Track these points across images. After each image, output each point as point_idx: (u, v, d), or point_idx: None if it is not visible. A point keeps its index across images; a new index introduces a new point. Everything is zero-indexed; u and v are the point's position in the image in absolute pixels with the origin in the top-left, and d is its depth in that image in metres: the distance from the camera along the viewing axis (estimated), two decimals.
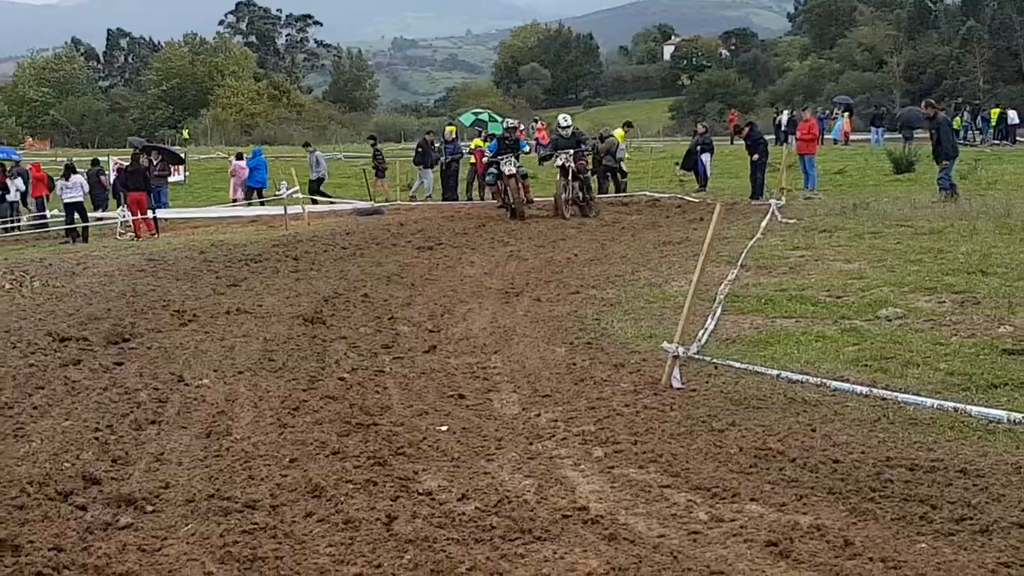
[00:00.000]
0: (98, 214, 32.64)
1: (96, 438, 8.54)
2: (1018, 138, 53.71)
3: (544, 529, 6.23)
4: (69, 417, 9.22)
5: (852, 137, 57.51)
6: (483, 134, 40.51)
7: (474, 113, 66.65)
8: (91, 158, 40.73)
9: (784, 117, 55.01)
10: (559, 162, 27.79)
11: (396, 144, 75.69)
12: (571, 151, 27.88)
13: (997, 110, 57.74)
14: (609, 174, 33.22)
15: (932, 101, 28.51)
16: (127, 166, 31.09)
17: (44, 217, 33.63)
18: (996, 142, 52.58)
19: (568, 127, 28.87)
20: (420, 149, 37.51)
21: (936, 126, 26.30)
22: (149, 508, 6.78)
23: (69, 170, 30.79)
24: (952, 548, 5.70)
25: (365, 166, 42.22)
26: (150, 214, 29.42)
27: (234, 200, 36.93)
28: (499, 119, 65.25)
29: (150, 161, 33.39)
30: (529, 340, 12.13)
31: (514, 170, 28.00)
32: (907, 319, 11.88)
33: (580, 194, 28.22)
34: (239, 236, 25.59)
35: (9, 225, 32.43)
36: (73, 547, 6.00)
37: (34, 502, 6.82)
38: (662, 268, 16.91)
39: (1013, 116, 55.60)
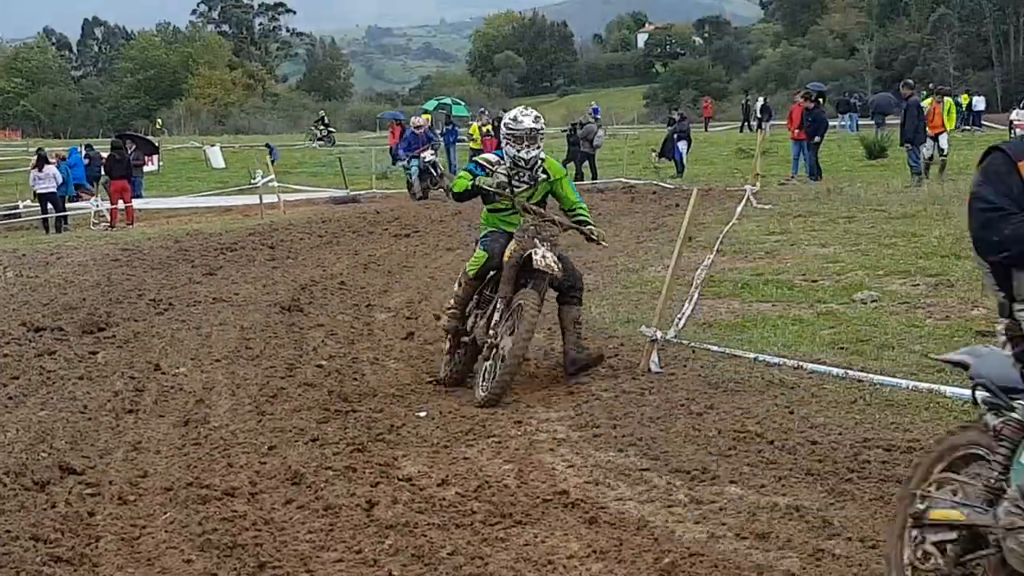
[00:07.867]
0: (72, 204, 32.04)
1: (73, 428, 8.51)
2: (983, 123, 54.37)
3: (525, 513, 6.24)
4: (45, 407, 9.18)
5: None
6: (449, 119, 40.15)
7: (436, 99, 66.85)
8: (68, 147, 39.78)
9: (759, 103, 55.13)
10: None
11: (371, 133, 75.30)
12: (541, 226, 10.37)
13: (967, 96, 57.96)
14: (587, 161, 33.14)
15: (910, 82, 28.53)
16: (110, 154, 30.62)
17: None
18: (966, 128, 52.89)
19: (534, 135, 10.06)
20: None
21: (905, 108, 26.46)
22: (128, 497, 6.76)
23: (42, 160, 30.34)
24: None
25: (340, 155, 41.97)
26: (134, 203, 29.27)
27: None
28: (462, 103, 65.37)
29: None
30: None
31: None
32: (882, 302, 11.93)
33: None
34: (214, 225, 25.49)
35: None
36: (51, 537, 5.96)
37: (10, 492, 6.79)
38: (639, 254, 16.91)
39: (978, 103, 56.13)
